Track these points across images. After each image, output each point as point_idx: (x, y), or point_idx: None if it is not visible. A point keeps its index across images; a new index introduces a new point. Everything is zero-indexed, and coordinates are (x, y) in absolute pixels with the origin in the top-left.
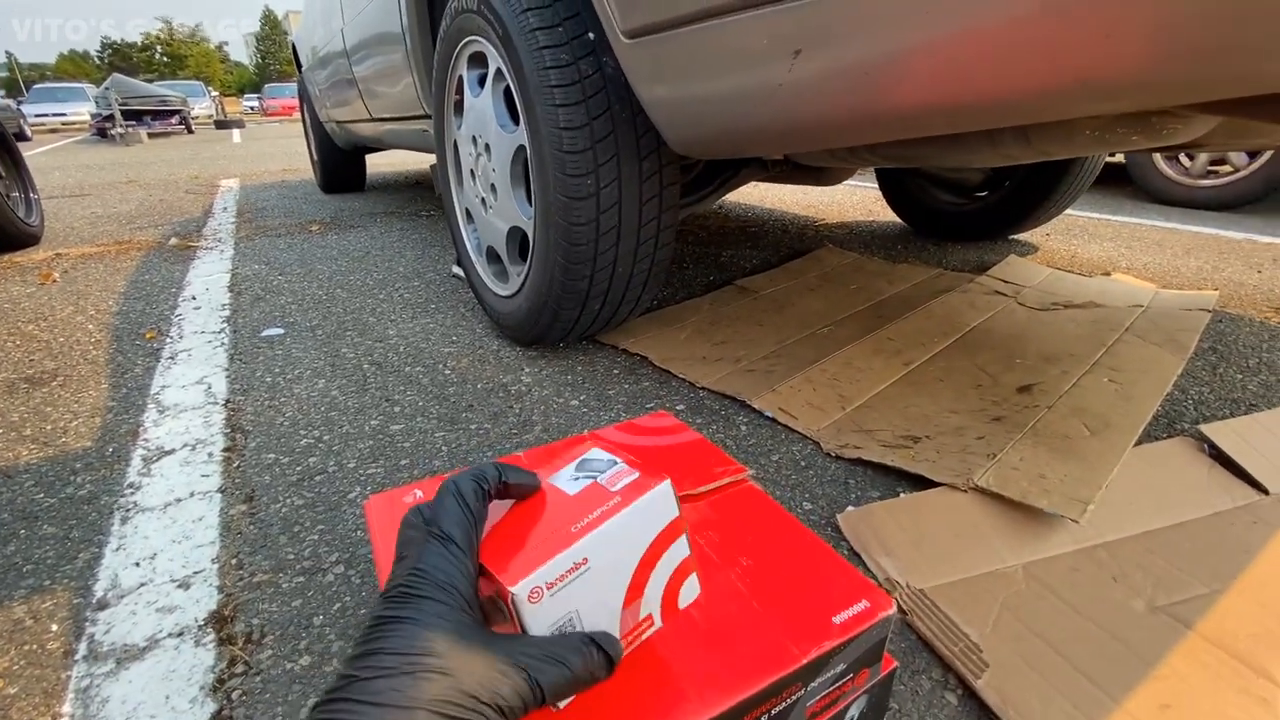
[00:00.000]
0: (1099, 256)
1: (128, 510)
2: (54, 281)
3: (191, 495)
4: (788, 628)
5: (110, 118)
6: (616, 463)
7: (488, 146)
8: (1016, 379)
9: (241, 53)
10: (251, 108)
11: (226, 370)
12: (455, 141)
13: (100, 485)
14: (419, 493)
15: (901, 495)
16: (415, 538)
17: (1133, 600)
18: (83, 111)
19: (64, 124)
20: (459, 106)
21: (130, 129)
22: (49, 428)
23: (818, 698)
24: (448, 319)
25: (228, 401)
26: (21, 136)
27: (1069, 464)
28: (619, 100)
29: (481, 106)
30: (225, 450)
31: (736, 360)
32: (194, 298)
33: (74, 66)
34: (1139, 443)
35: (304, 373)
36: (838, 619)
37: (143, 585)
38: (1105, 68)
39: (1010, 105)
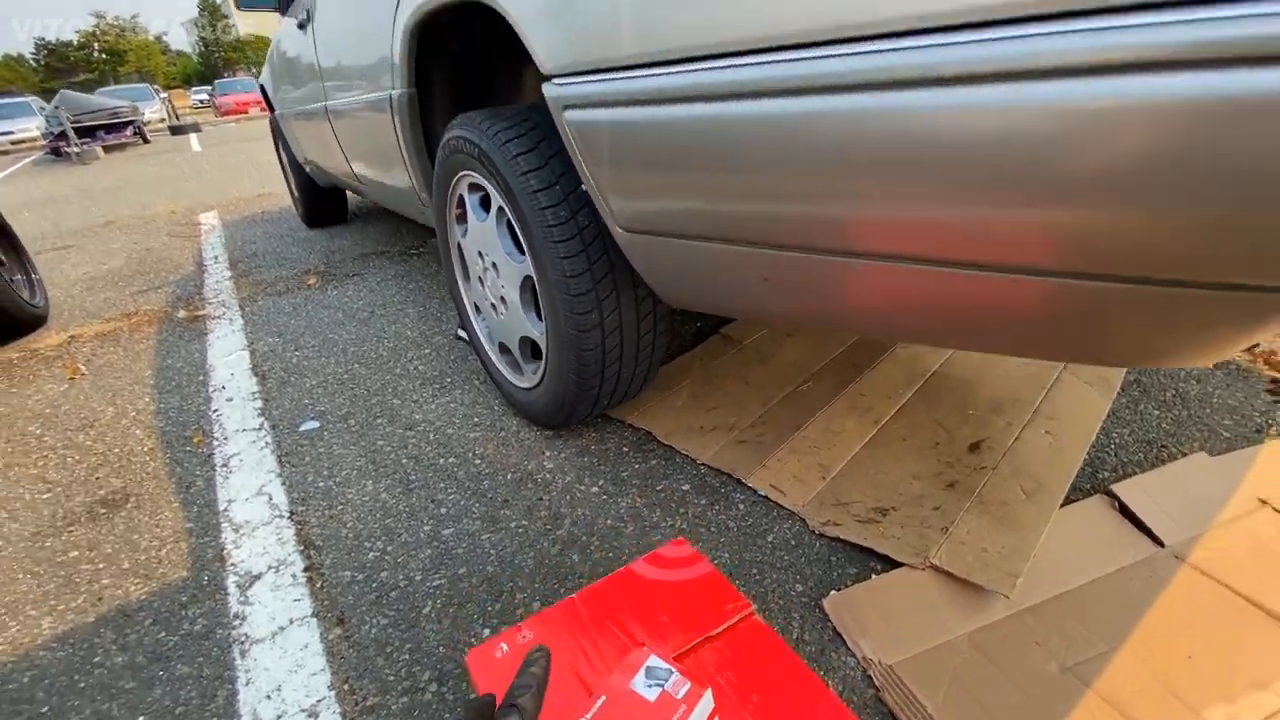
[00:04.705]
0: None
1: (243, 643)
2: (81, 375)
3: (291, 622)
4: None
5: (63, 135)
6: (673, 672)
7: (495, 265)
8: (969, 434)
9: (183, 41)
10: (201, 100)
11: (279, 475)
12: (459, 244)
13: (211, 619)
14: (505, 646)
15: (874, 573)
16: None
17: (1048, 664)
18: (30, 127)
19: (13, 143)
20: (460, 217)
21: (85, 146)
22: (142, 558)
23: None
24: (465, 395)
25: (292, 514)
26: None
27: (1006, 535)
28: (615, 247)
29: (487, 232)
30: (305, 570)
31: (729, 429)
32: (223, 387)
33: (10, 72)
34: (1067, 500)
35: (350, 474)
36: None
37: (279, 718)
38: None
39: (938, 337)
